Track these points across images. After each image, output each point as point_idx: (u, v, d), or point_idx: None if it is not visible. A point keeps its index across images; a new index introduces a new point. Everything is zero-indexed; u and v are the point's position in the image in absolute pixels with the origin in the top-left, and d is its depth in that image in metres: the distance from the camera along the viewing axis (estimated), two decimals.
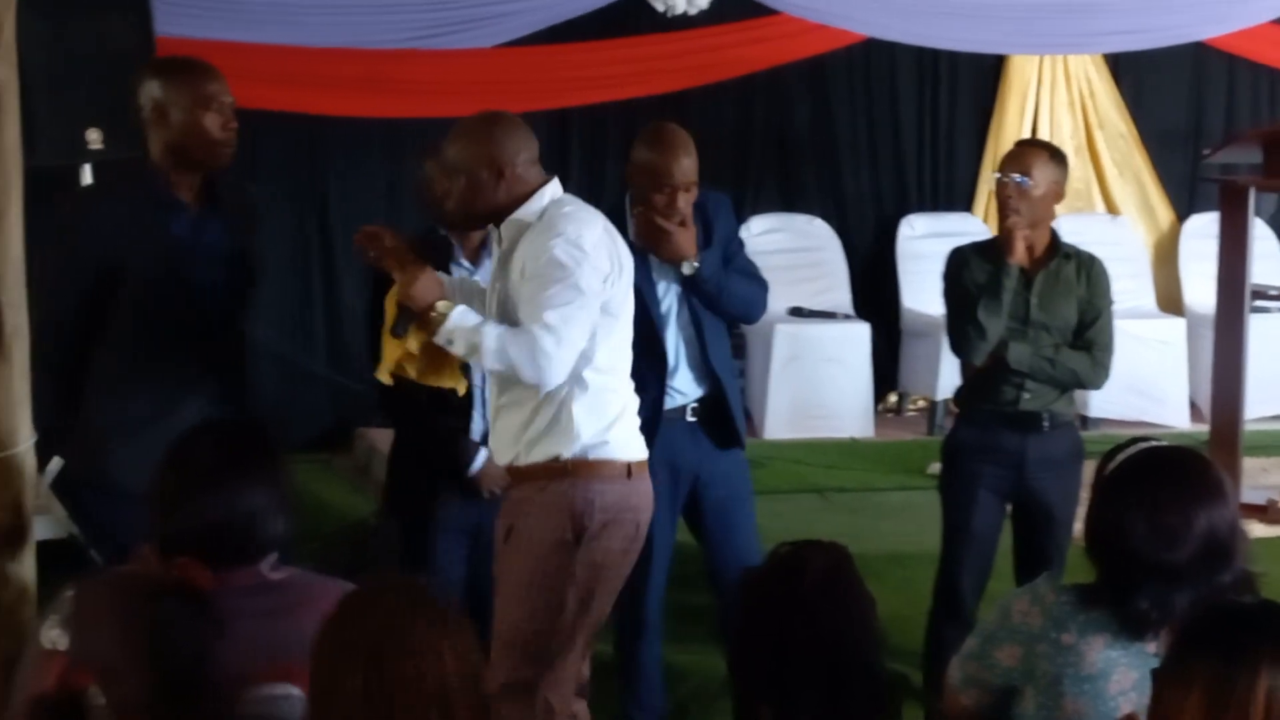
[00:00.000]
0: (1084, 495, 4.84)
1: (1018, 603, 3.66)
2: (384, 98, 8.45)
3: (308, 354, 8.81)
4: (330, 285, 8.92)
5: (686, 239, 5.35)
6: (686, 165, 5.34)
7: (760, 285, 5.63)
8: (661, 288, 5.45)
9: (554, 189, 4.65)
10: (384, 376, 4.72)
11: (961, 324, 5.62)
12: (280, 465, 3.33)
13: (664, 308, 5.45)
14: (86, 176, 7.19)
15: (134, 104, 4.80)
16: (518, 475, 4.68)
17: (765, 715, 3.13)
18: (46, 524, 4.17)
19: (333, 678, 2.75)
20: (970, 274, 5.63)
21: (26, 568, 3.63)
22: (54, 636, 3.20)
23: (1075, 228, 5.73)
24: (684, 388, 5.49)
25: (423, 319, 4.57)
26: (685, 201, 5.35)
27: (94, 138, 6.99)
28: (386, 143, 8.93)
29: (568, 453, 4.59)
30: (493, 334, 4.46)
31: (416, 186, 5.50)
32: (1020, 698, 3.64)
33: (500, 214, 4.62)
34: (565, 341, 4.43)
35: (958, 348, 5.68)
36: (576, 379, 4.56)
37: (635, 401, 4.78)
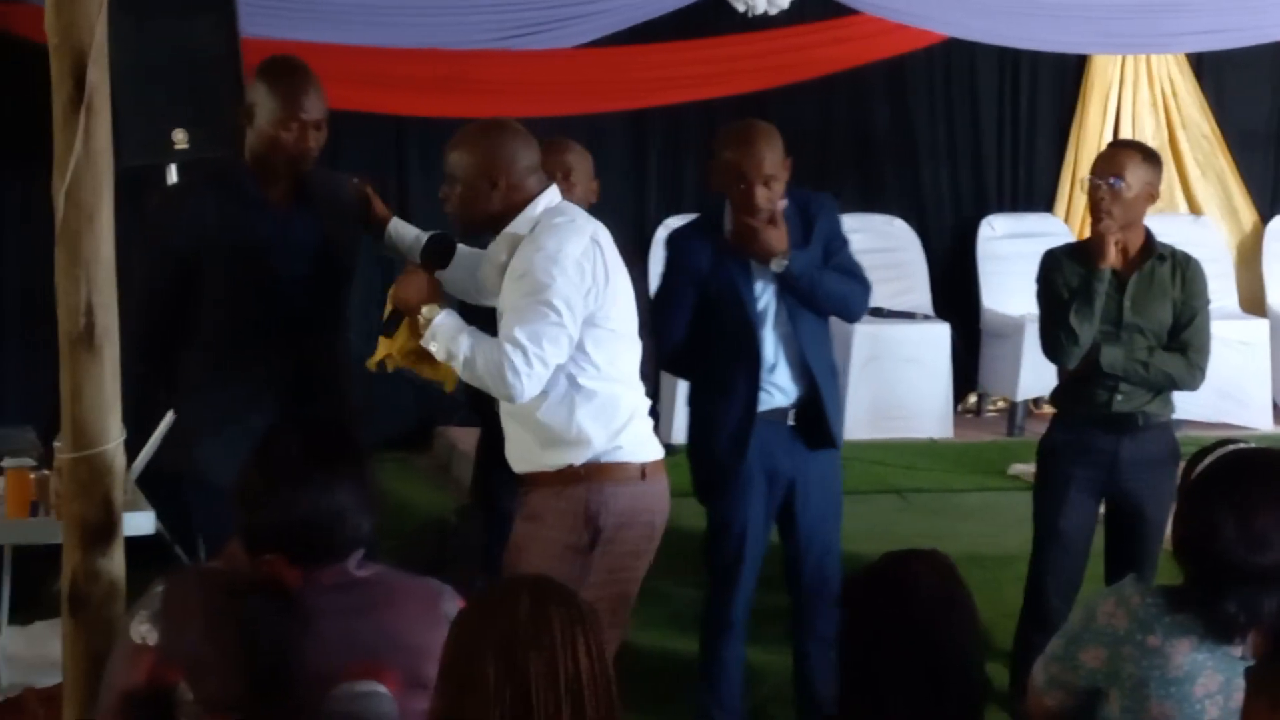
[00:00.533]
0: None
1: (1103, 604, 3.65)
2: (466, 98, 8.46)
3: None
4: None
5: (776, 237, 5.34)
6: (763, 159, 5.34)
7: (860, 284, 5.59)
8: (759, 286, 5.44)
9: (549, 197, 4.66)
10: (371, 365, 4.81)
11: (1053, 328, 5.59)
12: (366, 463, 3.34)
13: (761, 306, 5.44)
14: (173, 176, 7.26)
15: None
16: (533, 481, 4.70)
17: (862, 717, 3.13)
18: (133, 520, 4.19)
19: (467, 670, 2.76)
20: (1062, 277, 5.60)
21: (116, 563, 3.65)
22: (144, 631, 3.23)
23: (1157, 228, 5.67)
24: (783, 385, 5.48)
25: (411, 320, 4.64)
26: (764, 196, 5.34)
27: (179, 138, 7.06)
28: None
29: (579, 460, 4.62)
30: (466, 344, 4.51)
31: None
32: (1105, 700, 3.62)
33: (497, 222, 4.65)
34: (535, 358, 4.45)
35: (1050, 352, 5.66)
36: (578, 388, 4.58)
37: (646, 403, 4.80)
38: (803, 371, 5.49)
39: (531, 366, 4.44)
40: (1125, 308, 5.55)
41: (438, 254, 4.84)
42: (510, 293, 4.55)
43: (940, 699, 3.10)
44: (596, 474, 4.63)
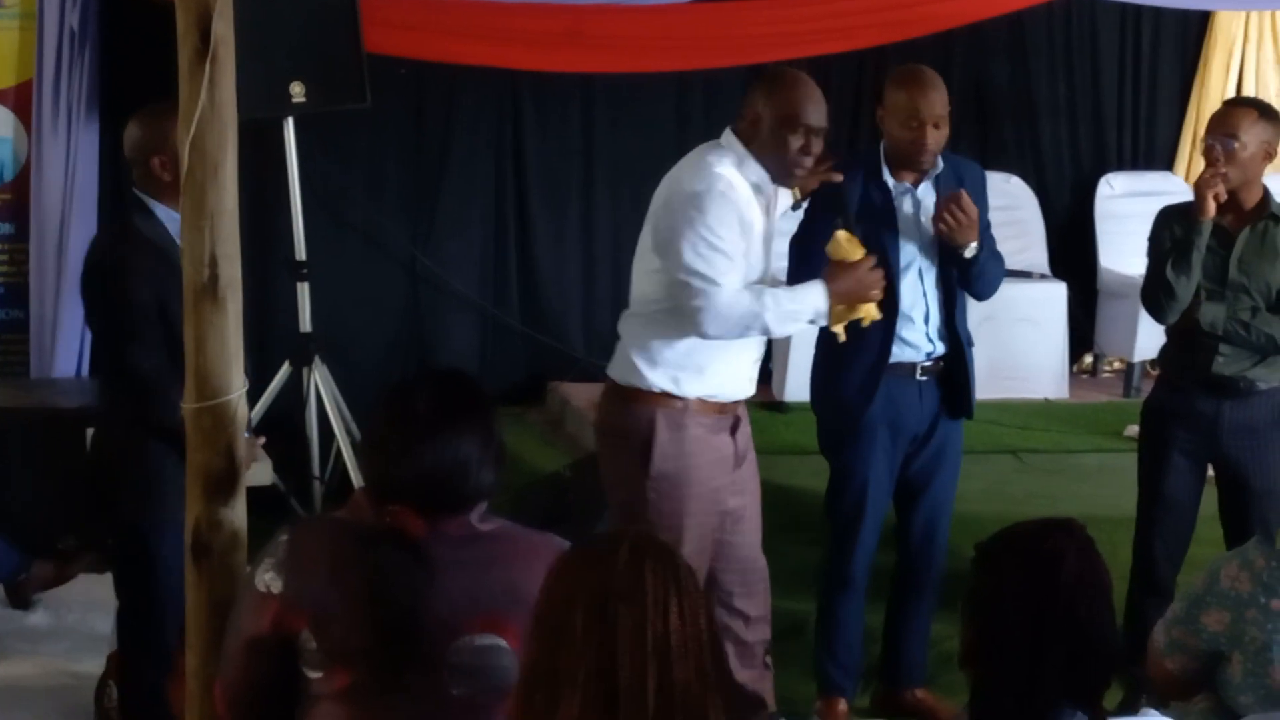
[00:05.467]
0: None
1: (1226, 567, 3.62)
2: (581, 52, 8.43)
3: (502, 307, 8.87)
4: (525, 238, 8.94)
5: (973, 229, 5.28)
6: (935, 100, 5.29)
7: (1003, 266, 5.57)
8: (903, 238, 5.35)
9: None
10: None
11: (1154, 283, 5.52)
12: (493, 416, 3.34)
13: (905, 261, 5.35)
14: (290, 130, 7.32)
15: None
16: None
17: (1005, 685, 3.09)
18: (252, 470, 4.20)
19: (558, 618, 2.73)
20: (1169, 232, 5.54)
21: (238, 513, 3.67)
22: (268, 580, 3.25)
23: (1277, 189, 5.60)
24: (914, 340, 5.40)
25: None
26: (934, 138, 5.29)
27: (297, 91, 7.11)
28: (583, 98, 8.95)
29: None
30: None
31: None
32: (1227, 663, 3.59)
33: None
34: None
35: (1149, 306, 5.60)
36: None
37: None
38: (938, 332, 5.43)
39: None
40: (1232, 265, 5.45)
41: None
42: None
43: (1075, 669, 3.06)
44: None
